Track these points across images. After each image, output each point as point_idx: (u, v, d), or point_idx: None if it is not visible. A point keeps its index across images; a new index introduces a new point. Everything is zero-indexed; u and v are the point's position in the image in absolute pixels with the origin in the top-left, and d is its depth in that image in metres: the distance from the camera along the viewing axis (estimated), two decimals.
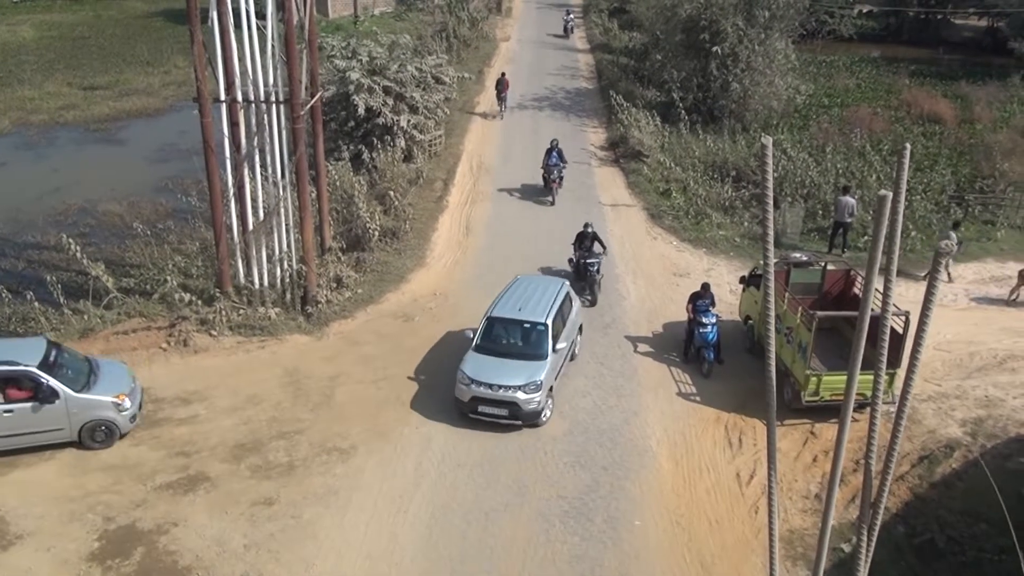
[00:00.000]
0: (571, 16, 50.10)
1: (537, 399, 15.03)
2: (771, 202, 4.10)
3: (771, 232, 4.20)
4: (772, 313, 4.32)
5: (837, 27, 45.78)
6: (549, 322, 15.97)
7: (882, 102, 35.51)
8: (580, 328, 17.66)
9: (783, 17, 30.62)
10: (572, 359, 17.16)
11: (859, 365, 4.70)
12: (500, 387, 15.00)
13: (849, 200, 21.78)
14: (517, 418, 15.06)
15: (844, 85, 38.59)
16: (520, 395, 14.95)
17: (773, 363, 4.53)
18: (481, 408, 15.17)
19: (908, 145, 4.40)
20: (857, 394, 13.94)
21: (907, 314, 14.93)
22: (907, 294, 19.70)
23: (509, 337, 16.14)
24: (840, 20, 46.34)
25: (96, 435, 14.55)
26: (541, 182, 26.06)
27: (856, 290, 16.95)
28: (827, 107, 34.30)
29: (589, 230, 20.30)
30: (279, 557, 12.46)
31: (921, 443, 15.05)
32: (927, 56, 44.82)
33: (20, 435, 14.13)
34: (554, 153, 25.35)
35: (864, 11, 50.84)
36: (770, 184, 4.02)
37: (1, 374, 14.08)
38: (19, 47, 48.11)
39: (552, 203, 25.24)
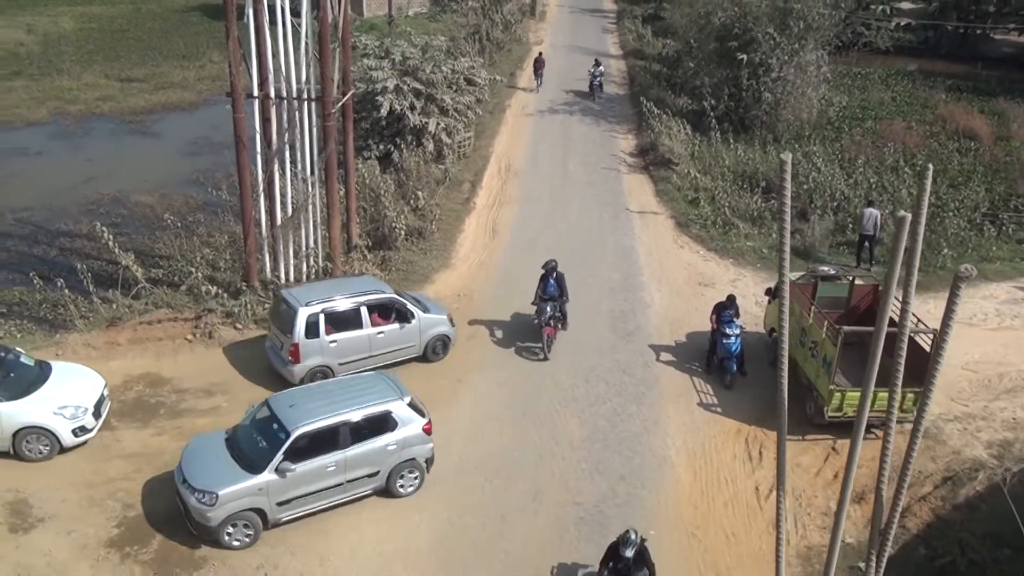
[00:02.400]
0: (600, 69, 37.52)
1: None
2: (788, 217, 4.09)
3: (787, 246, 4.18)
4: (787, 325, 4.31)
5: (874, 39, 45.33)
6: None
7: (917, 116, 35.10)
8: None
9: (818, 28, 30.37)
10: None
11: (873, 381, 4.68)
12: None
13: (873, 212, 21.54)
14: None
15: (879, 98, 38.17)
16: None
17: (785, 374, 4.50)
18: None
19: (931, 165, 4.36)
20: (882, 412, 13.64)
21: (935, 332, 14.75)
22: (936, 312, 19.45)
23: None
24: (877, 32, 45.90)
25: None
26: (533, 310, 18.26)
27: None
28: (860, 120, 33.94)
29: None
30: (294, 551, 12.53)
31: (945, 464, 14.83)
32: (965, 71, 44.19)
33: None
34: (551, 280, 18.01)
35: (902, 24, 50.31)
36: (787, 199, 4.01)
37: None
38: (59, 38, 48.81)
39: (545, 352, 17.76)
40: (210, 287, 18.44)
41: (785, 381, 4.64)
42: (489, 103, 33.61)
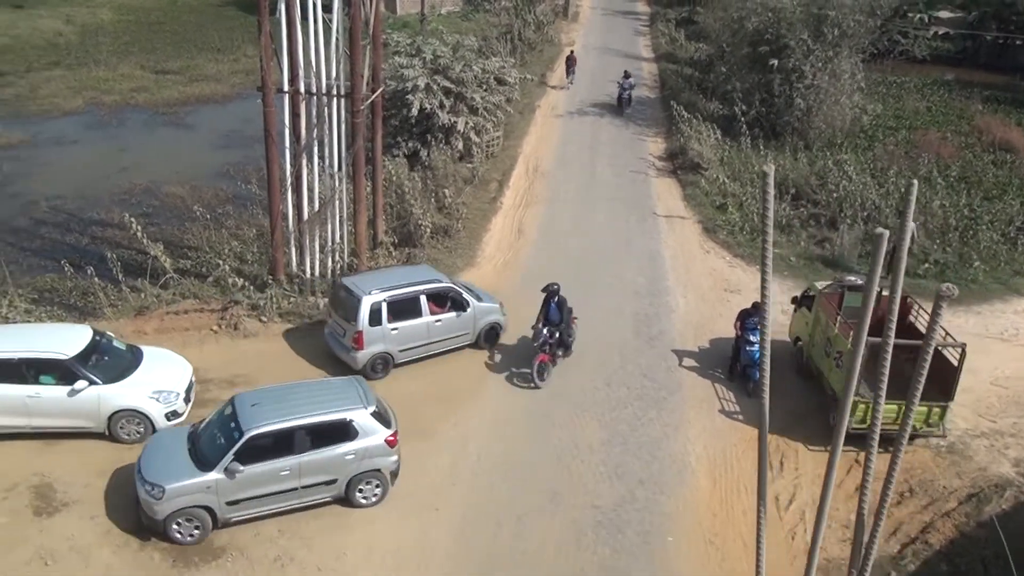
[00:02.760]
0: (630, 81, 35.59)
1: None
2: (771, 227, 4.11)
3: (770, 257, 4.20)
4: (768, 336, 4.29)
5: (910, 48, 44.73)
6: None
7: (952, 127, 34.64)
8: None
9: (853, 35, 30.04)
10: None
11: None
12: None
13: (909, 224, 21.25)
14: None
15: (914, 107, 37.71)
16: None
17: (767, 378, 4.48)
18: None
19: (915, 181, 4.43)
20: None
21: (963, 346, 14.55)
22: (966, 325, 19.21)
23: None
24: (914, 41, 45.30)
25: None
26: (531, 334, 17.40)
27: (911, 318, 16.53)
28: (894, 129, 33.55)
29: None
30: (311, 544, 12.60)
31: (971, 480, 14.60)
32: (1003, 82, 43.54)
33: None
34: (552, 304, 17.05)
35: (940, 33, 49.67)
36: (771, 211, 4.03)
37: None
38: (97, 29, 49.52)
39: (535, 379, 16.74)
40: (237, 279, 18.59)
41: (767, 384, 4.70)
42: (519, 103, 33.61)
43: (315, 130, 18.80)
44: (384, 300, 16.46)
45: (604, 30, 54.17)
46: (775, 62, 29.73)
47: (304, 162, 18.80)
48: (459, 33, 32.19)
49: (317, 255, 19.52)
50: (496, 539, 12.87)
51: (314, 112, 18.73)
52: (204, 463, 12.50)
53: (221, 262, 19.37)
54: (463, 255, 22.10)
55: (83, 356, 14.36)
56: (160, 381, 14.79)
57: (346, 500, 13.32)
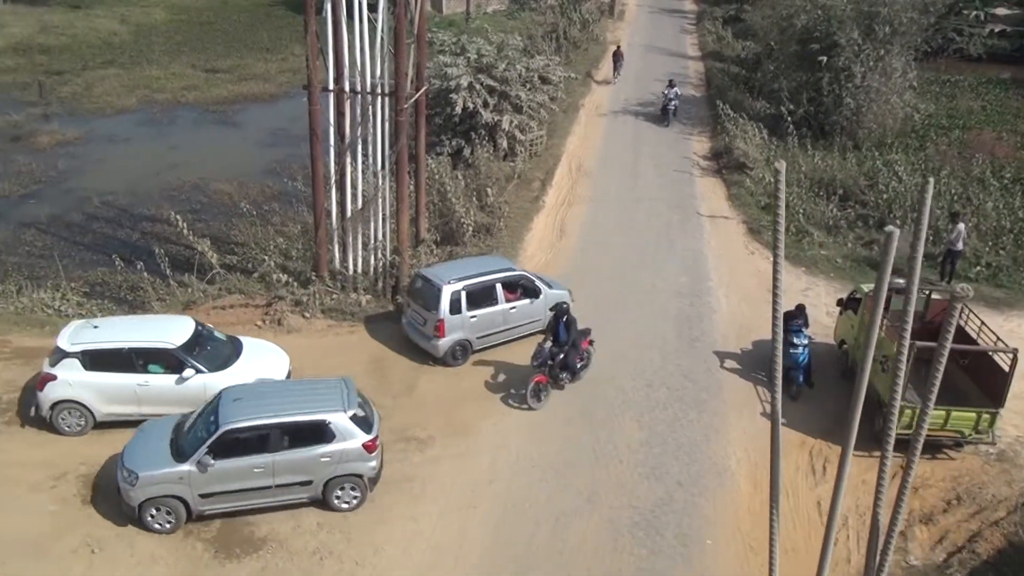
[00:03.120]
0: (676, 91, 33.43)
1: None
2: (783, 228, 4.05)
3: (781, 257, 4.13)
4: (780, 339, 4.21)
5: (965, 46, 43.68)
6: None
7: (1008, 127, 33.74)
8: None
9: (905, 33, 29.40)
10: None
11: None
12: None
13: (960, 227, 20.79)
14: None
15: (968, 107, 36.81)
16: None
17: (780, 379, 4.40)
18: None
19: (931, 179, 4.32)
20: (954, 431, 13.23)
21: (1015, 351, 14.18)
22: (1019, 330, 18.73)
23: None
24: (969, 39, 44.24)
25: None
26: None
27: (961, 322, 16.14)
28: (947, 129, 32.78)
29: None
30: (350, 538, 12.73)
31: (1021, 489, 14.22)
32: None
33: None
34: (560, 325, 16.21)
35: (996, 30, 48.40)
36: (782, 210, 3.97)
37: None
38: (151, 28, 50.57)
39: (528, 400, 15.94)
40: (281, 275, 18.87)
41: (779, 386, 4.64)
42: (563, 102, 33.53)
43: (359, 128, 18.96)
44: (463, 289, 16.94)
45: (650, 28, 53.78)
46: (824, 59, 29.24)
47: (348, 160, 18.98)
48: (504, 32, 32.26)
49: (360, 252, 19.70)
50: (533, 538, 12.87)
51: (358, 111, 18.90)
52: (181, 454, 12.64)
53: (266, 258, 19.67)
54: (504, 254, 22.04)
55: (188, 346, 14.86)
56: (262, 370, 15.17)
57: (323, 503, 13.20)
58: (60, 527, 12.67)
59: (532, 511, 13.39)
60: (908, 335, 5.50)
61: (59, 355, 14.51)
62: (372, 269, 19.85)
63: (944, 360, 4.87)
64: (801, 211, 24.49)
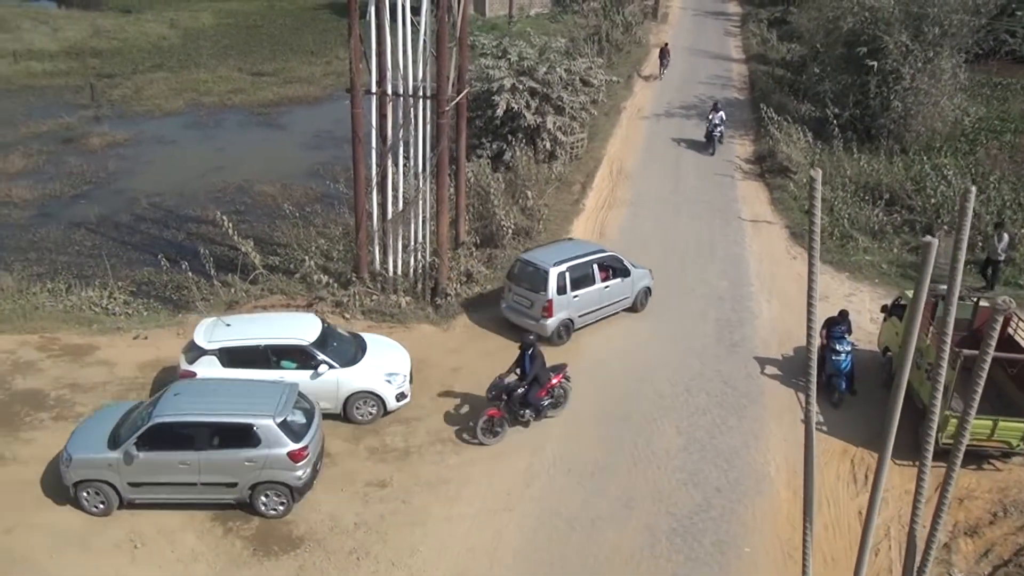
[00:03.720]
0: (721, 115, 30.51)
1: None
2: (818, 236, 4.03)
3: (816, 265, 4.11)
4: (815, 344, 4.14)
5: (1018, 48, 42.63)
6: None
7: None
8: None
9: (955, 35, 28.80)
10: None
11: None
12: None
13: (1004, 235, 20.32)
14: None
15: (1020, 110, 35.89)
16: None
17: (814, 381, 4.32)
18: None
19: (973, 188, 4.25)
20: (1001, 441, 12.93)
21: None
22: None
23: None
24: (1022, 41, 43.16)
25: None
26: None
27: (1010, 330, 15.76)
28: (999, 132, 32.01)
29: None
30: (386, 539, 12.81)
31: None
32: None
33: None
34: (526, 358, 15.20)
35: None
36: (818, 218, 3.94)
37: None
38: (199, 32, 51.51)
39: (479, 435, 15.05)
40: (322, 276, 19.07)
41: (814, 391, 4.58)
42: (605, 105, 33.43)
43: (401, 131, 19.10)
44: (567, 270, 17.93)
45: (694, 31, 53.38)
46: (875, 64, 28.74)
47: (389, 162, 19.13)
48: (546, 35, 32.24)
49: (400, 254, 19.83)
50: (568, 542, 12.83)
51: (400, 113, 19.04)
52: (115, 442, 12.93)
53: (308, 259, 19.89)
54: None
55: (320, 342, 15.31)
56: (389, 364, 15.65)
57: (251, 507, 13.17)
58: (104, 521, 12.96)
59: (567, 515, 13.36)
60: (948, 343, 5.38)
61: (197, 353, 14.98)
62: (412, 271, 19.97)
63: (986, 369, 4.77)
64: (846, 215, 24.12)
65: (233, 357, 14.89)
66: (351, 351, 15.69)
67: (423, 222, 19.85)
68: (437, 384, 16.73)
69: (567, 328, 18.16)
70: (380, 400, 15.32)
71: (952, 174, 25.46)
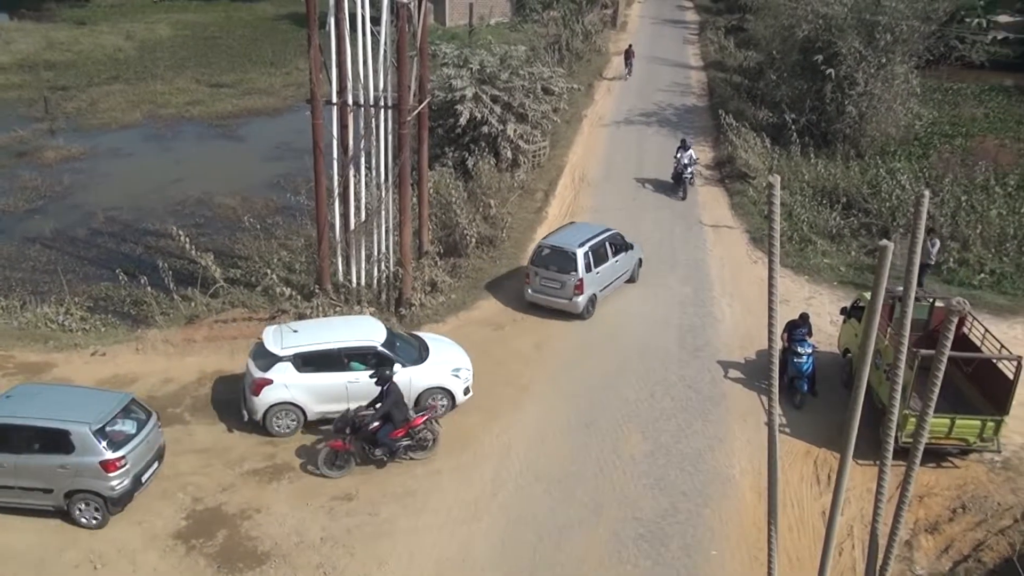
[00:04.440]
0: (691, 155, 27.32)
1: None
2: (777, 240, 4.12)
3: (776, 269, 4.19)
4: (776, 342, 4.21)
5: (968, 53, 43.64)
6: None
7: (1012, 134, 33.71)
8: None
9: (906, 41, 29.44)
10: None
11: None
12: None
13: (935, 241, 20.73)
14: None
15: (971, 114, 36.81)
16: None
17: (776, 379, 4.40)
18: None
19: (927, 192, 4.39)
20: (959, 439, 13.19)
21: (1019, 359, 14.13)
22: (1023, 337, 18.65)
23: None
24: (972, 46, 44.18)
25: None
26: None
27: (965, 330, 16.10)
28: (950, 136, 32.76)
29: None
30: (353, 552, 12.69)
31: None
32: None
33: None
34: (384, 389, 14.36)
35: (999, 38, 48.36)
36: (776, 224, 4.03)
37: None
38: (155, 44, 50.92)
39: (321, 466, 14.42)
40: (284, 288, 18.88)
41: (776, 379, 4.71)
42: (566, 112, 33.61)
43: (362, 141, 19.03)
44: (589, 250, 19.40)
45: (653, 39, 53.91)
46: (830, 70, 29.26)
47: (351, 173, 19.04)
48: (507, 43, 32.35)
49: (363, 265, 19.73)
50: (537, 551, 12.81)
51: (361, 123, 18.97)
52: None
53: (269, 271, 19.71)
54: (508, 264, 22.14)
55: (389, 343, 15.59)
56: (454, 361, 16.08)
57: (67, 515, 13.00)
58: (63, 542, 12.68)
59: (536, 523, 13.35)
60: (905, 343, 5.49)
61: (271, 359, 15.11)
62: (375, 281, 19.87)
63: (942, 369, 4.88)
64: (805, 220, 24.48)
65: (307, 361, 15.14)
66: (416, 350, 16.06)
67: (386, 232, 19.78)
68: None
69: (592, 303, 19.54)
70: (449, 394, 15.75)
71: (906, 178, 25.97)
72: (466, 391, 15.98)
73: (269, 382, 14.87)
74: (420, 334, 17.13)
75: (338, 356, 15.22)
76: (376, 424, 14.18)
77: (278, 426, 15.11)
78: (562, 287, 19.15)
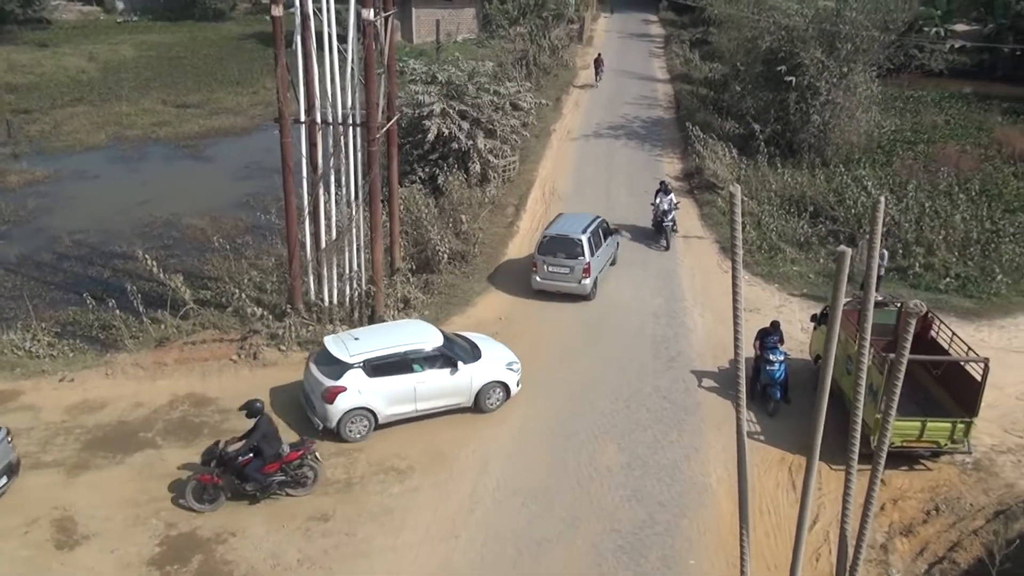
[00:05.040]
0: (672, 199, 24.60)
1: None
2: (740, 247, 4.24)
3: (740, 274, 4.30)
4: (742, 345, 4.27)
5: (927, 62, 44.53)
6: None
7: (972, 140, 34.37)
8: None
9: (867, 51, 29.99)
10: None
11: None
12: None
13: (883, 252, 21.10)
14: None
15: (932, 121, 37.50)
16: None
17: (744, 394, 4.46)
18: None
19: (883, 198, 4.53)
20: (930, 442, 13.34)
21: (986, 361, 14.36)
22: (989, 339, 18.98)
23: None
24: (930, 55, 45.10)
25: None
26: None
27: (933, 333, 16.34)
28: (912, 143, 33.35)
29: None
30: (331, 573, 12.56)
31: (997, 497, 14.32)
32: (1022, 94, 43.20)
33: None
34: (255, 427, 13.83)
35: (956, 46, 49.41)
36: (739, 232, 4.14)
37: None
38: (119, 65, 50.43)
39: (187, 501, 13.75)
40: (255, 309, 18.74)
41: (743, 386, 4.80)
42: (535, 127, 33.77)
43: (332, 159, 18.98)
44: (590, 235, 21.11)
45: (619, 52, 54.39)
46: (792, 79, 29.72)
47: (321, 191, 18.97)
48: (475, 59, 32.48)
49: (335, 283, 19.63)
50: (516, 566, 12.77)
51: (330, 141, 18.93)
52: None
53: (238, 291, 19.54)
54: (479, 280, 22.16)
55: (448, 344, 16.46)
56: (504, 355, 17.02)
57: None
58: (33, 573, 12.42)
59: (514, 538, 13.30)
60: (867, 347, 5.58)
61: (341, 367, 15.55)
62: (348, 300, 19.78)
63: (902, 369, 4.97)
64: (773, 228, 24.75)
65: (376, 367, 15.68)
66: (470, 349, 16.80)
67: (357, 250, 19.70)
68: None
69: (595, 284, 21.16)
70: (505, 387, 16.62)
71: (871, 185, 26.37)
72: (518, 383, 16.83)
73: (343, 389, 15.34)
74: (467, 334, 17.91)
75: (405, 359, 15.89)
76: (245, 458, 13.62)
77: (351, 432, 15.57)
78: (571, 272, 20.68)
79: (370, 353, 15.74)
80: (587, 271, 20.64)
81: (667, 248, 24.40)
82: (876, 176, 28.03)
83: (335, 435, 15.47)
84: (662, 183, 25.43)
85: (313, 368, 15.90)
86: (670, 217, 24.45)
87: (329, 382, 15.42)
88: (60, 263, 24.19)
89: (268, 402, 16.42)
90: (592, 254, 20.83)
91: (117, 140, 36.13)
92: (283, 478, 13.94)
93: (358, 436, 15.60)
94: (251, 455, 13.66)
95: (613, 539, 13.32)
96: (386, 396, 15.63)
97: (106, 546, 12.91)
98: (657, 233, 24.88)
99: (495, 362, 16.71)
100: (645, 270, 22.85)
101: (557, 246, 20.87)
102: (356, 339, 16.20)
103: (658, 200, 24.61)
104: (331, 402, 15.31)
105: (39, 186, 30.41)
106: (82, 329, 19.92)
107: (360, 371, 15.52)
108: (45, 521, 13.36)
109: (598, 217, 22.50)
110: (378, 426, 15.73)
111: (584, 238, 20.84)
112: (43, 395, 16.85)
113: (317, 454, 14.32)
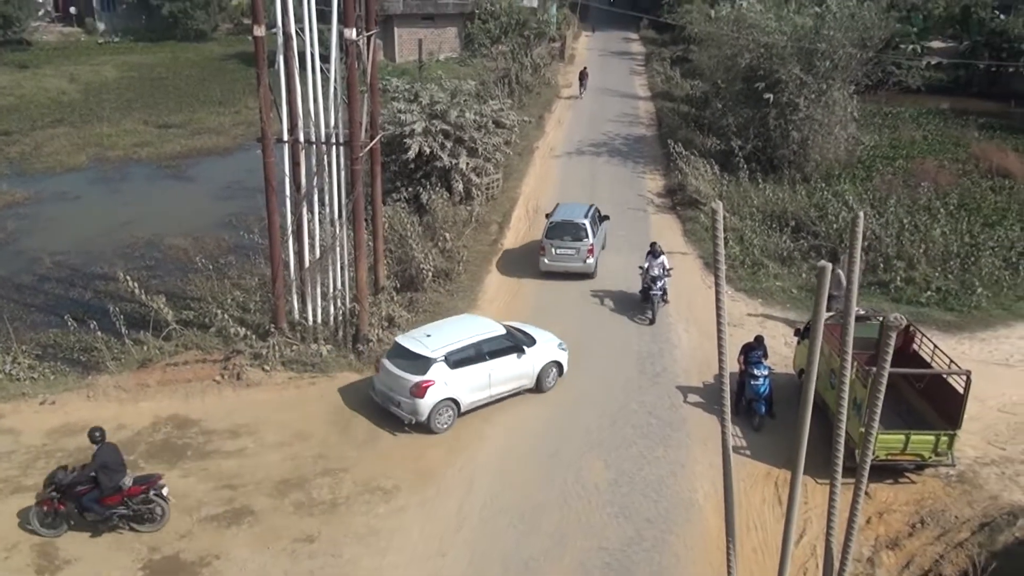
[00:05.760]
0: (663, 261, 21.26)
1: None
2: (723, 262, 4.30)
3: (723, 289, 4.34)
4: (726, 360, 4.31)
5: (904, 79, 45.17)
6: None
7: (949, 155, 34.76)
8: None
9: (845, 67, 30.36)
10: None
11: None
12: None
13: (838, 272, 20.75)
14: None
15: (910, 137, 37.91)
16: None
17: (728, 409, 4.49)
18: None
19: (862, 213, 4.59)
20: (914, 455, 13.41)
21: (968, 373, 14.47)
22: (970, 352, 19.13)
23: None
24: (907, 72, 45.75)
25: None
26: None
27: (915, 347, 16.46)
28: (891, 159, 33.69)
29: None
30: None
31: (982, 509, 14.39)
32: (998, 109, 43.80)
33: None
34: (94, 456, 13.45)
35: (933, 63, 50.12)
36: (721, 247, 4.20)
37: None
38: (101, 86, 50.23)
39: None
40: (239, 329, 18.63)
41: (728, 401, 4.85)
42: (518, 145, 33.88)
43: (315, 178, 18.97)
44: (591, 220, 23.41)
45: (601, 70, 54.75)
46: (771, 96, 30.05)
47: (304, 210, 18.94)
48: (457, 78, 32.59)
49: (319, 302, 19.57)
50: None
51: (314, 161, 18.92)
52: None
53: (221, 312, 19.43)
54: (464, 297, 22.14)
55: (509, 332, 17.64)
56: (553, 338, 18.38)
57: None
58: None
59: (501, 557, 13.24)
60: (848, 361, 5.63)
61: (425, 363, 16.24)
62: (332, 319, 19.71)
63: (884, 382, 5.02)
64: (756, 244, 24.91)
65: (457, 360, 16.50)
66: (524, 335, 17.95)
67: (341, 269, 19.66)
68: (363, 432, 16.49)
69: (597, 264, 23.26)
70: (559, 366, 18.03)
71: (852, 200, 26.61)
72: (568, 361, 18.21)
73: (432, 383, 16.02)
74: (515, 323, 18.87)
75: (479, 349, 16.83)
76: (82, 488, 13.10)
77: (440, 423, 16.32)
78: (577, 253, 22.84)
79: (450, 346, 16.57)
80: (591, 252, 22.80)
81: (652, 322, 20.85)
82: (856, 191, 28.30)
83: (425, 428, 16.24)
84: (653, 244, 21.86)
85: (391, 367, 16.48)
86: (659, 285, 20.97)
87: (416, 378, 16.04)
88: (41, 285, 23.98)
89: (255, 421, 16.32)
90: (593, 236, 22.97)
91: (98, 161, 35.94)
92: (124, 511, 13.31)
93: (445, 427, 16.35)
94: (89, 485, 13.15)
95: (601, 556, 13.28)
96: (467, 385, 16.53)
97: (89, 571, 12.75)
98: (643, 302, 21.32)
99: (548, 344, 18.03)
100: (629, 286, 22.82)
101: (563, 231, 22.96)
102: (428, 335, 16.95)
103: (647, 264, 21.13)
104: (422, 396, 15.96)
105: (19, 208, 30.17)
106: (63, 351, 19.73)
107: (443, 364, 16.29)
108: (25, 546, 13.17)
109: (592, 205, 24.76)
110: (460, 414, 16.56)
111: (587, 222, 23.08)
112: (24, 418, 16.66)
113: (165, 491, 13.52)
